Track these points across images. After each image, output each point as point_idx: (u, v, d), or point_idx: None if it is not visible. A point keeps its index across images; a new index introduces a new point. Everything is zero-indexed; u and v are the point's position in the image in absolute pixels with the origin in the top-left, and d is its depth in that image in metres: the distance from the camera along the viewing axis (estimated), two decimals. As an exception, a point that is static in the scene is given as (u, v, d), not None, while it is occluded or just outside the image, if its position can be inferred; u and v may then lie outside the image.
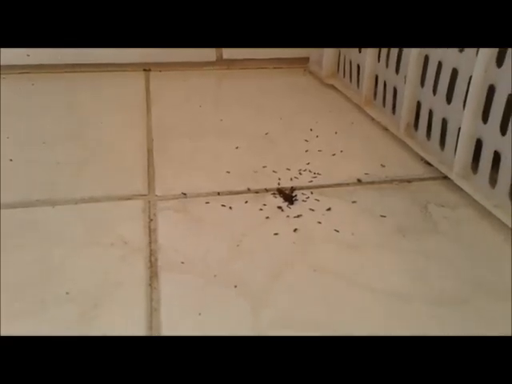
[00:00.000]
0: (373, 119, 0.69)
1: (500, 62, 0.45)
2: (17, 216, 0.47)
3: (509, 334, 0.35)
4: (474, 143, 0.50)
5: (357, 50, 0.72)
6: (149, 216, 0.47)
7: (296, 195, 0.51)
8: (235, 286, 0.39)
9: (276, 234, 0.45)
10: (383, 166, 0.58)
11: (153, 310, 0.36)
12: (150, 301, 0.37)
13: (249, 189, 0.52)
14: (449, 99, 0.53)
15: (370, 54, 0.68)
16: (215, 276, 0.40)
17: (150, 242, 0.43)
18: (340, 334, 0.35)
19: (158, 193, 0.51)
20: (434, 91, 0.55)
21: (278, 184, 0.53)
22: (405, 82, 0.60)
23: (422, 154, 0.58)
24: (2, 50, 0.79)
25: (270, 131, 0.65)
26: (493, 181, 0.48)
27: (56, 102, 0.72)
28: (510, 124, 0.45)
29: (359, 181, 0.55)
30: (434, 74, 0.55)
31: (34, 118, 0.67)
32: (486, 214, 0.48)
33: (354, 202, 0.51)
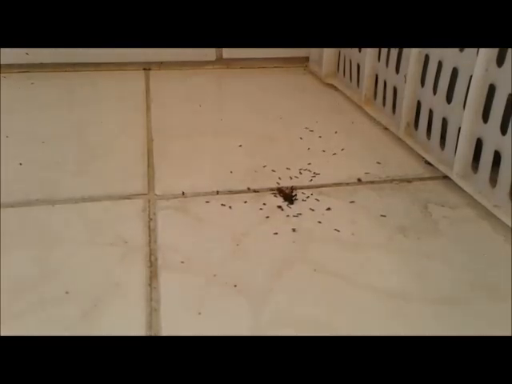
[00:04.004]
0: (373, 119, 0.69)
1: (500, 61, 0.45)
2: (17, 215, 0.47)
3: (509, 334, 0.35)
4: (474, 143, 0.50)
5: (357, 49, 0.72)
6: (148, 215, 0.47)
7: (296, 195, 0.51)
8: (235, 286, 0.39)
9: (276, 233, 0.45)
10: (383, 165, 0.58)
11: (152, 310, 0.36)
12: (150, 301, 0.37)
13: (249, 188, 0.52)
14: (449, 99, 0.53)
15: (369, 53, 0.68)
16: (215, 275, 0.40)
17: (150, 242, 0.43)
18: (340, 334, 0.35)
19: (157, 192, 0.51)
20: (434, 91, 0.55)
21: (278, 183, 0.53)
22: (405, 82, 0.60)
23: (422, 154, 0.58)
24: (2, 49, 0.79)
25: (270, 131, 0.65)
26: (493, 181, 0.48)
27: (56, 101, 0.72)
28: (510, 124, 0.45)
29: (359, 180, 0.55)
30: (435, 73, 0.55)
31: (33, 117, 0.67)
32: (486, 213, 0.48)
33: (353, 201, 0.51)
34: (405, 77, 0.60)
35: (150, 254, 0.42)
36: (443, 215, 0.49)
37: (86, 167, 0.55)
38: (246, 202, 0.50)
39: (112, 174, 0.54)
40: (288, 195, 0.51)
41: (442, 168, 0.54)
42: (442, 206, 0.50)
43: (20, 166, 0.55)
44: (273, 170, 0.56)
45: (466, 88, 0.49)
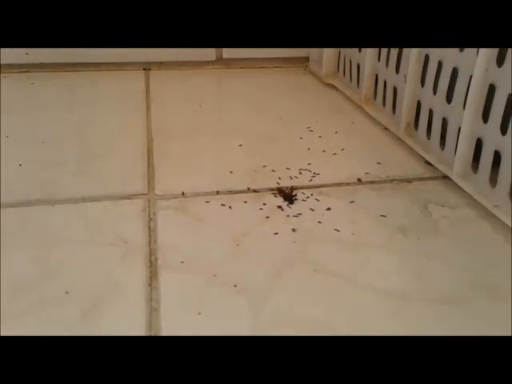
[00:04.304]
0: (373, 119, 0.69)
1: (500, 61, 0.45)
2: (17, 215, 0.47)
3: (509, 334, 0.35)
4: (474, 143, 0.50)
5: (357, 49, 0.72)
6: (148, 215, 0.47)
7: (296, 195, 0.51)
8: (235, 286, 0.39)
9: (276, 233, 0.45)
10: (383, 165, 0.58)
11: (152, 310, 0.36)
12: (150, 301, 0.37)
13: (249, 188, 0.52)
14: (449, 99, 0.53)
15: (369, 53, 0.68)
16: (215, 275, 0.40)
17: (150, 242, 0.43)
18: (340, 334, 0.35)
19: (157, 192, 0.51)
20: (434, 91, 0.55)
21: (278, 183, 0.53)
22: (405, 82, 0.60)
23: (422, 154, 0.58)
24: (2, 49, 0.79)
25: (270, 131, 0.65)
26: (493, 181, 0.48)
27: (55, 101, 0.72)
28: (510, 124, 0.45)
29: (359, 180, 0.55)
30: (435, 73, 0.55)
31: (33, 117, 0.67)
32: (486, 213, 0.48)
33: (353, 201, 0.51)
34: (405, 77, 0.60)
35: (150, 254, 0.42)
36: (443, 215, 0.49)
37: (86, 167, 0.55)
38: (246, 202, 0.50)
39: (112, 174, 0.54)
40: (288, 195, 0.51)
41: (442, 168, 0.54)
42: (442, 205, 0.50)
43: (20, 166, 0.55)
44: (273, 170, 0.56)
45: (465, 88, 0.49)
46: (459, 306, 0.38)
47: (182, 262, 0.41)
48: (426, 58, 0.56)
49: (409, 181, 0.55)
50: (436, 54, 0.54)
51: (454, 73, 0.51)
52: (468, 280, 0.41)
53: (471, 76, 0.48)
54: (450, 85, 0.52)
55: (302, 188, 0.53)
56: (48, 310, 0.36)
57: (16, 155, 0.56)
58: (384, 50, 0.65)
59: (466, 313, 0.37)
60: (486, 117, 0.48)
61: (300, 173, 0.56)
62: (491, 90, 0.47)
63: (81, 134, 0.63)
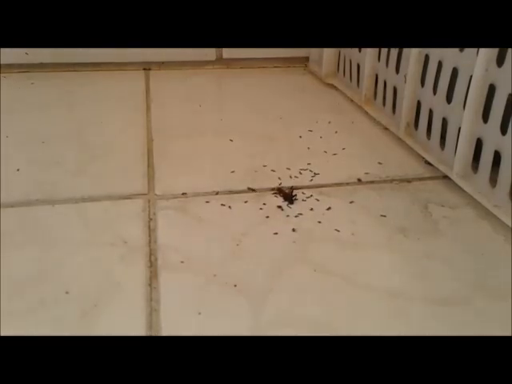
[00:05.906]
0: (373, 119, 0.69)
1: (500, 61, 0.45)
2: (17, 215, 0.47)
3: (509, 334, 0.35)
4: (474, 143, 0.50)
5: (357, 49, 0.72)
6: (148, 215, 0.47)
7: (296, 195, 0.51)
8: (235, 286, 0.39)
9: (276, 233, 0.45)
10: (383, 165, 0.58)
11: (152, 310, 0.36)
12: (150, 301, 0.37)
13: (249, 188, 0.52)
14: (449, 99, 0.53)
15: (369, 53, 0.68)
16: (215, 275, 0.40)
17: (150, 242, 0.43)
18: (340, 334, 0.35)
19: (157, 192, 0.51)
20: (435, 91, 0.55)
21: (279, 184, 0.53)
22: (405, 82, 0.60)
23: (422, 154, 0.58)
24: (2, 49, 0.79)
25: (270, 131, 0.65)
26: (493, 181, 0.48)
27: (55, 101, 0.72)
28: (510, 124, 0.45)
29: (359, 180, 0.55)
30: (435, 73, 0.55)
31: (33, 117, 0.67)
32: (486, 213, 0.48)
33: (353, 201, 0.51)
34: (405, 77, 0.59)
35: (150, 254, 0.42)
36: (443, 215, 0.49)
37: (85, 167, 0.55)
38: (246, 201, 0.50)
39: (112, 174, 0.54)
40: (288, 195, 0.51)
41: (442, 168, 0.54)
42: (442, 205, 0.50)
43: (19, 164, 0.54)
44: (273, 170, 0.56)
45: (466, 88, 0.49)
46: (459, 306, 0.38)
47: (182, 262, 0.41)
48: (426, 58, 0.56)
49: (409, 181, 0.55)
50: (436, 53, 0.54)
51: (454, 73, 0.51)
52: (468, 280, 0.41)
53: (471, 76, 0.48)
54: (450, 85, 0.52)
55: (302, 188, 0.53)
56: (48, 310, 0.36)
57: (16, 155, 0.56)
58: (384, 50, 0.65)
59: (466, 313, 0.37)
60: (486, 117, 0.48)
61: (300, 173, 0.56)
62: (491, 90, 0.47)
63: (81, 133, 0.63)
